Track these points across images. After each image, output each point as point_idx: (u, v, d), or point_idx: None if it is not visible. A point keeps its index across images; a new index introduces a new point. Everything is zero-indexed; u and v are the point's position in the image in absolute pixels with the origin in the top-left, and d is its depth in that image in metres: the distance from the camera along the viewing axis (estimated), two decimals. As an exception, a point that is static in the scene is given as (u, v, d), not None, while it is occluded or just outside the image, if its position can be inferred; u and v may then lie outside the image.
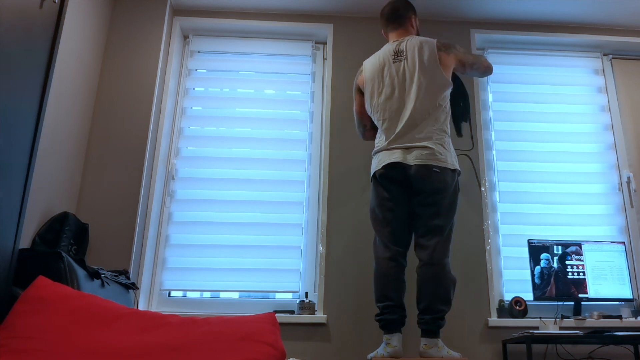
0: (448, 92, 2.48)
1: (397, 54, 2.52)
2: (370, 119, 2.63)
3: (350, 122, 3.20)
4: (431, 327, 2.23)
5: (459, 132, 2.78)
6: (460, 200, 3.06)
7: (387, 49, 2.58)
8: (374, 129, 2.65)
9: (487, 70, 2.64)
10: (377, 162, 2.43)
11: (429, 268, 2.27)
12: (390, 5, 2.67)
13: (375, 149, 2.49)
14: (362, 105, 2.65)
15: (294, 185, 3.15)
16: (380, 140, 2.49)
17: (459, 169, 2.40)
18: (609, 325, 2.85)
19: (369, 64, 2.60)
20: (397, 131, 2.40)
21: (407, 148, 2.35)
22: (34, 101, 1.90)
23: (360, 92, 2.65)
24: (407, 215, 2.39)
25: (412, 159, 2.33)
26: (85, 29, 2.83)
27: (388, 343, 2.25)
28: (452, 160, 2.37)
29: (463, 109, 2.76)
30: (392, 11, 2.65)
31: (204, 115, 3.30)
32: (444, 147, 2.37)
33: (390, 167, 2.36)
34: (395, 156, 2.36)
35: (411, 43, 2.52)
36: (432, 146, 2.33)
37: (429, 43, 2.51)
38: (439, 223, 2.31)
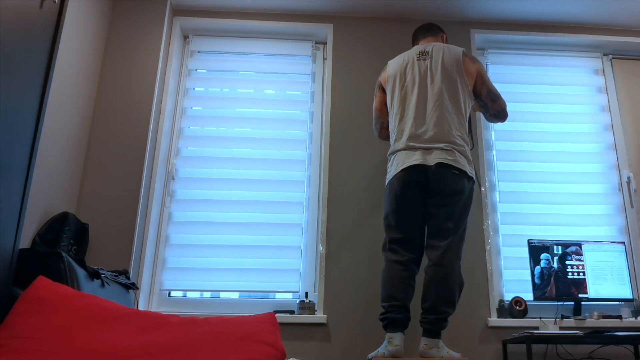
0: (469, 99, 2.48)
1: (423, 54, 2.54)
2: (388, 116, 2.63)
3: (350, 122, 3.20)
4: (434, 327, 2.23)
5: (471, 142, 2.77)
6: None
7: (414, 49, 2.61)
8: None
9: (502, 110, 2.57)
10: (396, 165, 2.40)
11: (438, 269, 2.27)
12: (426, 23, 2.83)
13: (391, 149, 2.46)
14: (382, 102, 2.65)
15: (294, 185, 3.15)
16: (396, 137, 2.46)
17: (474, 178, 2.40)
18: (609, 325, 2.85)
19: (393, 62, 2.63)
20: (415, 129, 2.39)
21: (426, 149, 2.35)
22: (34, 101, 1.90)
23: (382, 90, 2.65)
24: (422, 223, 2.38)
25: (432, 159, 2.32)
26: (85, 29, 2.83)
27: (390, 342, 2.24)
28: (469, 168, 2.38)
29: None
30: (428, 25, 2.76)
31: (204, 115, 3.30)
32: (463, 155, 2.37)
33: (410, 171, 2.35)
34: (414, 158, 2.34)
35: (438, 46, 2.56)
36: (452, 149, 2.33)
37: (456, 49, 2.54)
38: (451, 225, 2.31)
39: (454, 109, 2.41)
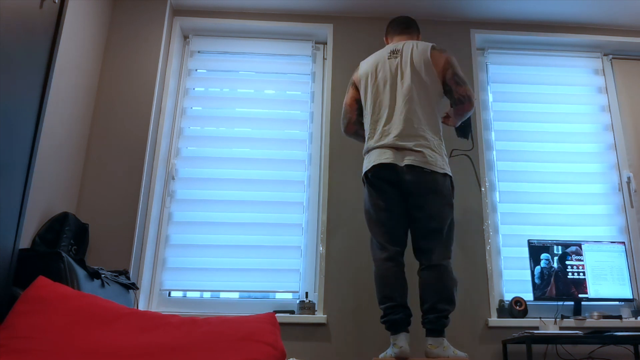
0: (440, 95, 2.47)
1: (393, 52, 2.54)
2: (357, 113, 2.63)
3: (350, 122, 3.20)
4: (435, 326, 2.23)
5: (468, 129, 2.75)
6: (458, 202, 3.08)
7: (385, 48, 2.61)
8: (357, 124, 2.64)
9: (466, 95, 2.46)
10: (368, 162, 2.41)
11: (430, 271, 2.27)
12: (404, 16, 2.74)
13: (365, 147, 2.47)
14: (352, 98, 2.64)
15: (294, 185, 3.15)
16: (369, 136, 2.46)
17: (449, 173, 2.37)
18: (609, 325, 2.85)
19: (365, 62, 2.63)
20: (386, 128, 2.39)
21: (397, 148, 2.34)
22: (34, 101, 1.90)
23: (355, 87, 2.66)
24: (402, 214, 2.37)
25: (402, 160, 2.32)
26: (85, 29, 2.83)
27: (395, 344, 2.24)
28: (442, 163, 2.35)
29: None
30: (405, 20, 2.71)
31: (204, 115, 3.30)
32: (434, 151, 2.34)
33: (381, 167, 2.35)
34: (386, 156, 2.34)
35: (408, 44, 2.55)
36: (421, 149, 2.31)
37: (425, 44, 2.53)
38: (435, 226, 2.30)
39: (424, 105, 2.40)
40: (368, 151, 2.45)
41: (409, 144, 2.33)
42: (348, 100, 2.66)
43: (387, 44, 2.73)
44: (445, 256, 2.29)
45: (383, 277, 2.31)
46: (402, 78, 2.46)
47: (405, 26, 2.69)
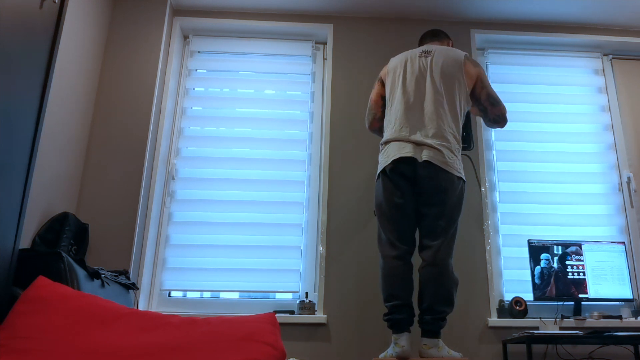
0: (466, 101, 2.48)
1: (425, 52, 2.57)
2: (382, 110, 2.64)
3: (350, 122, 3.20)
4: (432, 327, 2.23)
5: (471, 143, 2.76)
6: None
7: (418, 48, 2.64)
8: (381, 121, 2.64)
9: (501, 115, 2.56)
10: (386, 156, 2.40)
11: (431, 268, 2.27)
12: (434, 28, 2.86)
13: (384, 139, 2.46)
14: (379, 95, 2.66)
15: (294, 185, 3.15)
16: (390, 127, 2.45)
17: (464, 178, 2.40)
18: (609, 325, 2.85)
19: (396, 58, 2.65)
20: (410, 122, 2.39)
21: (417, 144, 2.35)
22: (34, 101, 1.90)
23: (382, 84, 2.67)
24: (413, 213, 2.37)
25: (422, 155, 2.32)
26: (85, 29, 2.83)
27: (396, 343, 2.24)
28: (458, 167, 2.37)
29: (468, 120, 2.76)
30: (436, 30, 2.79)
31: (204, 115, 3.30)
32: (453, 154, 2.36)
33: (400, 162, 2.34)
34: (406, 150, 2.34)
35: (441, 47, 2.59)
36: (442, 149, 2.32)
37: (458, 52, 2.56)
38: (443, 224, 2.31)
39: (449, 108, 2.41)
40: (387, 142, 2.44)
41: (430, 141, 2.33)
42: (374, 97, 2.67)
43: None
44: (448, 255, 2.30)
45: (391, 275, 2.31)
46: (431, 78, 2.47)
47: (434, 33, 2.77)
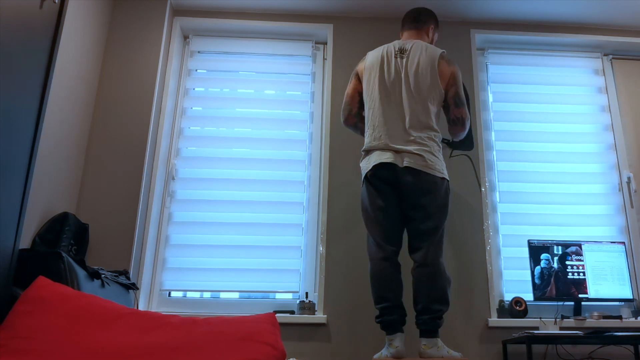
0: (440, 102, 2.47)
1: (401, 51, 2.53)
2: (359, 105, 2.62)
3: (350, 122, 3.20)
4: (429, 326, 2.23)
5: (471, 143, 2.75)
6: (458, 202, 3.07)
7: (394, 44, 2.59)
8: (357, 117, 2.62)
9: (461, 118, 2.46)
10: (368, 162, 2.42)
11: (423, 269, 2.27)
12: (415, 9, 2.73)
13: (365, 147, 2.47)
14: (355, 90, 2.63)
15: (294, 185, 3.15)
16: (370, 133, 2.46)
17: (447, 178, 2.39)
18: (609, 325, 2.85)
19: (372, 54, 2.61)
20: (388, 129, 2.40)
21: (397, 151, 2.36)
22: (34, 101, 1.90)
23: (358, 79, 2.64)
24: (399, 215, 2.39)
25: (402, 162, 2.33)
26: (86, 29, 2.83)
27: (390, 344, 2.25)
28: (441, 168, 2.37)
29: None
30: (415, 13, 2.70)
31: (204, 115, 3.30)
32: (434, 155, 2.36)
33: (380, 167, 2.36)
34: (386, 156, 2.36)
35: (417, 45, 2.54)
36: (422, 153, 2.33)
37: (434, 49, 2.52)
38: (431, 225, 2.31)
39: (426, 110, 2.41)
40: (368, 151, 2.45)
41: (410, 148, 2.34)
42: (350, 91, 2.65)
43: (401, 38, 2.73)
44: (438, 255, 2.30)
45: (379, 277, 2.32)
46: (406, 80, 2.45)
47: (414, 19, 2.68)
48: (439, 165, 2.37)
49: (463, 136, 2.56)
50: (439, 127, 2.47)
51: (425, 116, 2.40)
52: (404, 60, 2.50)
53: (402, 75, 2.47)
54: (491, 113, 3.37)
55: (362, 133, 2.60)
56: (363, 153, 2.49)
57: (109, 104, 3.02)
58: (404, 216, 2.40)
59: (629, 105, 3.39)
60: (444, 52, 2.53)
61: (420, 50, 2.51)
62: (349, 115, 2.63)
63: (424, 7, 2.75)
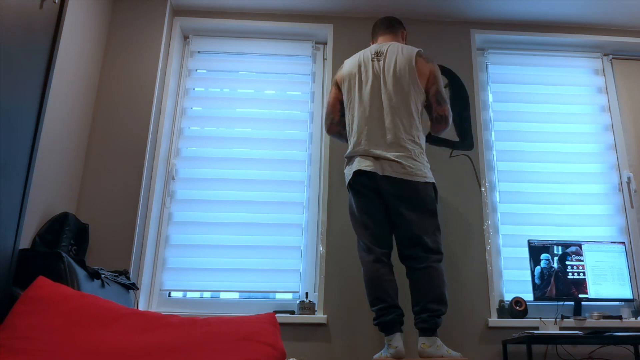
0: (421, 101, 2.46)
1: (378, 54, 2.53)
2: (340, 113, 2.64)
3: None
4: (428, 325, 2.23)
5: (471, 143, 2.74)
6: (458, 203, 3.08)
7: (370, 48, 2.60)
8: (339, 125, 2.64)
9: (444, 116, 2.46)
10: (350, 169, 2.43)
11: (419, 273, 2.28)
12: (386, 17, 2.74)
13: (347, 153, 2.48)
14: (335, 99, 2.64)
15: (294, 185, 3.15)
16: (351, 140, 2.48)
17: (431, 180, 2.37)
18: (609, 325, 2.85)
19: (349, 61, 2.62)
20: (367, 135, 2.40)
21: (376, 158, 2.35)
22: (34, 101, 1.90)
23: (337, 87, 2.65)
24: (385, 218, 2.39)
25: (382, 170, 2.33)
26: (86, 29, 2.83)
27: (389, 344, 2.25)
28: (422, 172, 2.35)
29: (467, 116, 2.74)
30: (388, 20, 2.72)
31: (204, 115, 3.30)
32: (415, 160, 2.35)
33: (361, 175, 2.37)
34: (366, 164, 2.36)
35: (393, 46, 2.54)
36: (400, 160, 2.32)
37: (411, 49, 2.52)
38: (416, 233, 2.31)
39: (406, 114, 2.40)
40: (350, 157, 2.46)
41: (389, 154, 2.34)
42: (331, 100, 2.66)
43: (372, 44, 2.73)
44: (433, 259, 2.29)
45: (372, 279, 2.32)
46: (384, 83, 2.45)
47: (387, 24, 2.69)
48: (421, 169, 2.35)
49: (444, 132, 2.56)
50: (423, 125, 2.47)
51: (407, 117, 2.40)
52: (381, 62, 2.50)
53: (381, 78, 2.47)
54: (491, 113, 3.37)
55: (347, 140, 2.61)
56: (346, 160, 2.50)
57: (109, 103, 3.02)
58: (390, 221, 2.40)
59: (629, 105, 3.39)
60: (420, 50, 2.52)
61: (396, 51, 2.51)
62: (332, 124, 2.65)
63: (393, 16, 2.76)
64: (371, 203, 2.38)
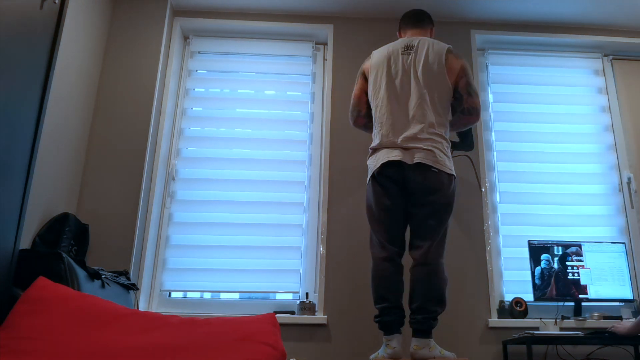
0: (449, 98, 2.45)
1: (408, 48, 2.51)
2: (367, 106, 2.59)
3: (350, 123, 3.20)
4: (422, 326, 2.21)
5: (471, 143, 2.74)
6: (458, 203, 3.08)
7: (400, 41, 2.56)
8: (366, 117, 2.60)
9: (475, 107, 2.46)
10: (375, 160, 2.39)
11: (422, 268, 2.26)
12: (416, 10, 2.71)
13: (373, 144, 2.45)
14: (362, 90, 2.60)
15: (295, 186, 3.15)
16: (378, 131, 2.44)
17: (455, 175, 2.38)
18: (609, 325, 2.84)
19: (378, 52, 2.58)
20: (396, 127, 2.38)
21: (406, 148, 2.34)
22: (34, 101, 1.90)
23: (364, 78, 2.62)
24: (403, 216, 2.37)
25: (411, 158, 2.31)
26: (86, 30, 2.83)
27: (387, 344, 2.25)
28: (450, 165, 2.36)
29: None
30: (418, 14, 2.69)
31: (204, 116, 3.30)
32: (443, 153, 2.35)
33: (388, 165, 2.34)
34: (394, 154, 2.33)
35: (424, 41, 2.52)
36: (431, 149, 2.31)
37: (441, 44, 2.50)
38: (433, 223, 2.29)
39: (435, 106, 2.39)
40: (376, 149, 2.43)
41: (419, 144, 2.31)
42: (357, 92, 2.61)
43: (400, 37, 2.70)
44: (439, 255, 2.28)
45: (380, 277, 2.31)
46: (415, 77, 2.43)
47: (417, 19, 2.66)
48: (448, 162, 2.35)
49: (471, 126, 2.54)
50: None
51: (434, 112, 2.39)
52: (411, 56, 2.48)
53: (410, 71, 2.45)
54: (491, 113, 3.37)
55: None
56: (370, 151, 2.46)
57: (109, 104, 3.02)
58: (407, 215, 2.38)
59: (629, 105, 3.39)
60: (450, 46, 2.52)
61: (427, 46, 2.49)
62: (358, 117, 2.60)
63: (423, 10, 2.73)
64: (392, 197, 2.34)
